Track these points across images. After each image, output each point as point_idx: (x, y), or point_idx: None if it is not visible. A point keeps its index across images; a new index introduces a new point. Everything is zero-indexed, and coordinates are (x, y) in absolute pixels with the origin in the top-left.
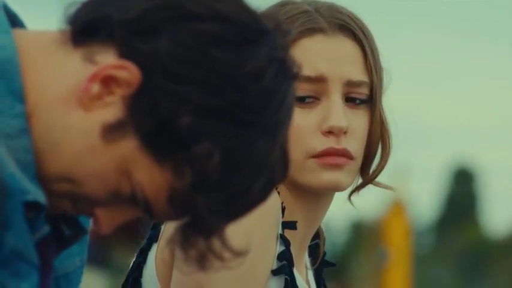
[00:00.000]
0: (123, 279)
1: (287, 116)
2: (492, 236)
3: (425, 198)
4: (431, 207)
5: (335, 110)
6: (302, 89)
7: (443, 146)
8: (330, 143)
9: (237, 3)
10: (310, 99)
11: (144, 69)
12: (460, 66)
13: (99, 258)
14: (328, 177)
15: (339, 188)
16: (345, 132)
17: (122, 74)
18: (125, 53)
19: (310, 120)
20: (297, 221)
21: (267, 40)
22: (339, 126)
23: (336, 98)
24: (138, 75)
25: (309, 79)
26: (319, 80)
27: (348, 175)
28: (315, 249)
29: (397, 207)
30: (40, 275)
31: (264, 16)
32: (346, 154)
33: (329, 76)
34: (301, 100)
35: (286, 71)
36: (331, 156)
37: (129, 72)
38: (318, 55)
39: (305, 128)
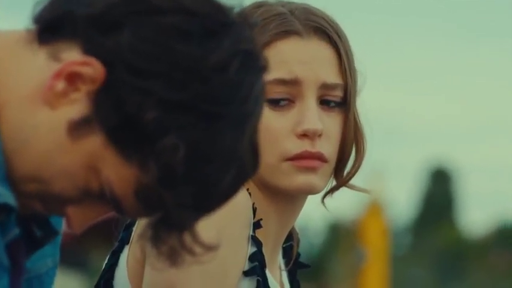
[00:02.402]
0: None
1: (255, 108)
2: (469, 236)
3: (402, 199)
4: (408, 208)
5: (310, 113)
6: (276, 91)
7: (420, 146)
8: (304, 146)
9: None
10: (285, 102)
11: (107, 64)
12: (436, 66)
13: (76, 260)
14: (302, 180)
15: (313, 191)
16: (319, 135)
17: (86, 70)
18: (89, 49)
19: (284, 122)
20: (261, 219)
21: (232, 32)
22: (313, 129)
23: (310, 101)
24: (102, 71)
25: (283, 82)
26: (294, 83)
27: (322, 178)
28: (289, 251)
29: (374, 208)
30: (11, 276)
31: (229, 8)
32: (320, 157)
33: (304, 79)
34: (276, 103)
35: (253, 63)
36: (306, 159)
37: (93, 68)
38: (292, 58)
39: (279, 131)
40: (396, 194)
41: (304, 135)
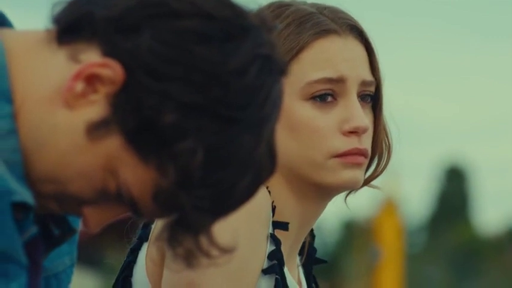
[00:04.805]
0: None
1: (273, 112)
2: (484, 234)
3: (417, 197)
4: (423, 206)
5: (357, 110)
6: (320, 89)
7: (435, 145)
8: (353, 143)
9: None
10: (331, 98)
11: (127, 67)
12: (450, 64)
13: (92, 259)
14: (349, 175)
15: (357, 186)
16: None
17: (105, 72)
18: (109, 51)
19: (329, 120)
20: (288, 223)
21: (251, 36)
22: (363, 127)
23: (354, 98)
24: (122, 73)
25: (330, 80)
26: (339, 81)
27: (363, 173)
28: (303, 247)
29: (389, 206)
30: (29, 275)
31: (248, 12)
32: (365, 153)
33: (348, 77)
34: (323, 99)
35: (272, 67)
36: (354, 156)
37: (113, 70)
38: (336, 56)
39: (326, 129)
40: (411, 192)
41: (352, 132)
